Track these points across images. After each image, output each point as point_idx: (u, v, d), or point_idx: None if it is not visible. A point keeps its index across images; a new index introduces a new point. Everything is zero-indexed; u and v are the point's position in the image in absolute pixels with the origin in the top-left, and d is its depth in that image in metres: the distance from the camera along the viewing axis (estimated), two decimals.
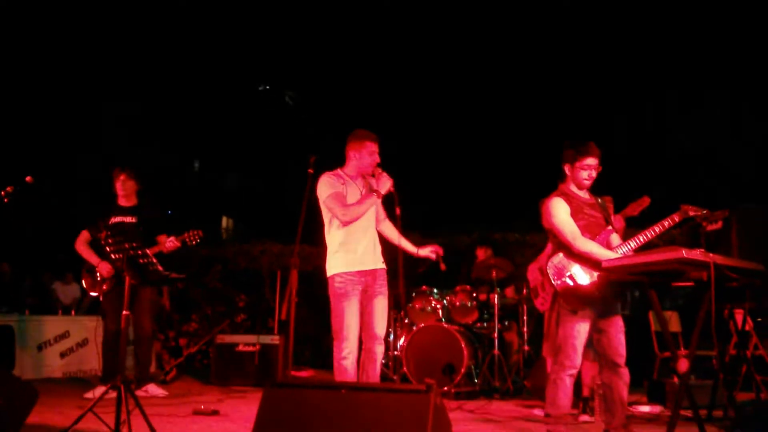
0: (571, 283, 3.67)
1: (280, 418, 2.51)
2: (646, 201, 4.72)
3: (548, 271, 3.76)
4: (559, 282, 3.70)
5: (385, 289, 4.09)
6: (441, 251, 4.29)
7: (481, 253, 7.22)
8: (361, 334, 4.04)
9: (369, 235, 4.10)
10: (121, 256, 3.74)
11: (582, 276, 3.66)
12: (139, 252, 3.72)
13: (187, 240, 5.41)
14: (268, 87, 31.23)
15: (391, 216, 4.29)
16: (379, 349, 4.06)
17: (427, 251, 4.25)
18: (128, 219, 5.60)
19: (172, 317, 9.00)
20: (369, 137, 4.13)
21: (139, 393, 5.39)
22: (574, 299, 3.65)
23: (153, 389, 5.61)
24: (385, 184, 4.05)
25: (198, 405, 4.81)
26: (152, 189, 5.92)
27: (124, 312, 3.74)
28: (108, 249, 3.81)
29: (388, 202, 4.22)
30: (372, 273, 4.05)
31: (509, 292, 6.87)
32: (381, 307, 4.05)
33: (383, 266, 4.14)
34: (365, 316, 4.05)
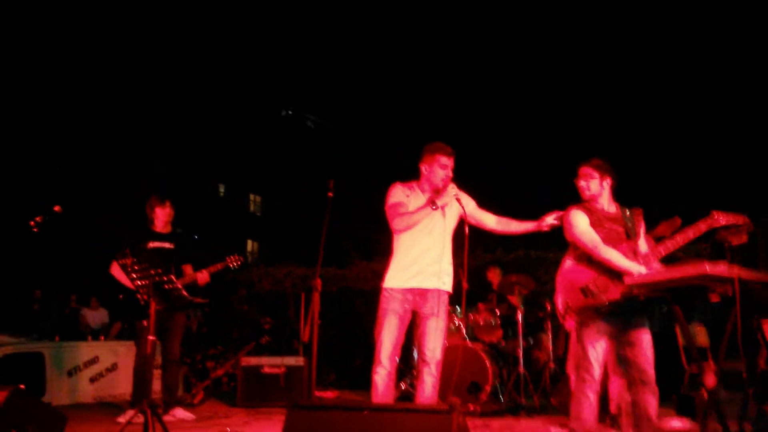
0: (581, 297, 3.66)
1: None
2: (677, 222, 4.67)
3: (562, 283, 3.77)
4: (570, 296, 3.70)
5: (439, 311, 3.88)
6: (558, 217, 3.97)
7: (493, 276, 7.20)
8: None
9: (427, 251, 3.92)
10: (147, 282, 3.81)
11: (595, 290, 3.65)
12: (164, 278, 3.79)
13: (230, 264, 5.64)
14: (290, 111, 31.60)
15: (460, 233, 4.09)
16: (428, 373, 3.86)
17: (551, 219, 3.97)
18: (166, 245, 5.74)
19: (198, 340, 9.09)
20: (441, 150, 3.96)
21: (167, 418, 5.43)
22: (585, 313, 3.65)
23: (180, 413, 5.66)
24: (445, 197, 3.85)
25: (224, 428, 4.85)
26: (179, 213, 6.03)
27: (150, 337, 3.81)
28: (134, 276, 3.89)
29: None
30: (423, 293, 3.90)
31: (513, 300, 6.71)
32: (431, 329, 3.87)
33: (442, 287, 3.94)
34: (415, 338, 3.99)
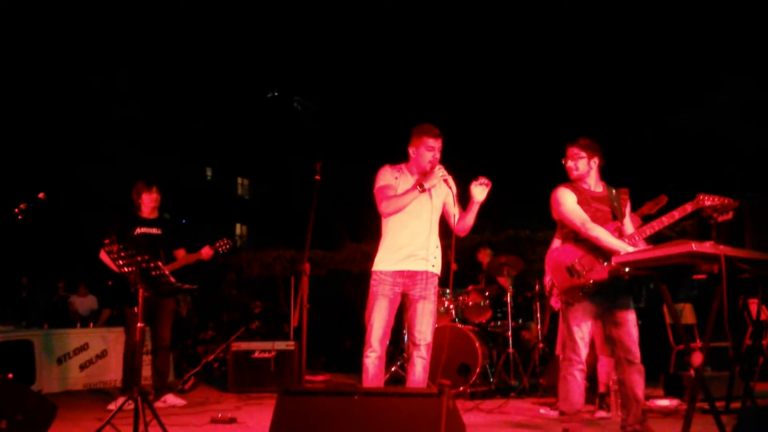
0: (566, 276, 3.68)
1: (293, 425, 2.54)
2: (663, 200, 4.69)
3: (548, 263, 3.79)
4: (555, 275, 3.72)
5: (428, 293, 3.88)
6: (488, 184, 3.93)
7: (483, 257, 7.22)
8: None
9: (417, 234, 3.90)
10: (133, 269, 3.78)
11: (581, 269, 3.67)
12: (152, 264, 3.76)
13: (219, 249, 5.63)
14: (276, 93, 31.37)
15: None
16: (419, 355, 3.85)
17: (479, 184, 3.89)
18: (154, 231, 5.73)
19: (189, 325, 9.09)
20: (428, 132, 3.92)
21: (158, 404, 5.44)
22: (570, 292, 3.67)
23: (171, 399, 5.66)
24: (433, 178, 3.81)
25: (216, 413, 4.85)
26: (165, 198, 5.98)
27: (140, 324, 3.79)
28: (120, 262, 3.86)
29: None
30: (412, 275, 3.88)
31: (502, 281, 6.73)
32: (421, 311, 3.86)
33: (431, 269, 3.93)
34: (405, 321, 3.98)
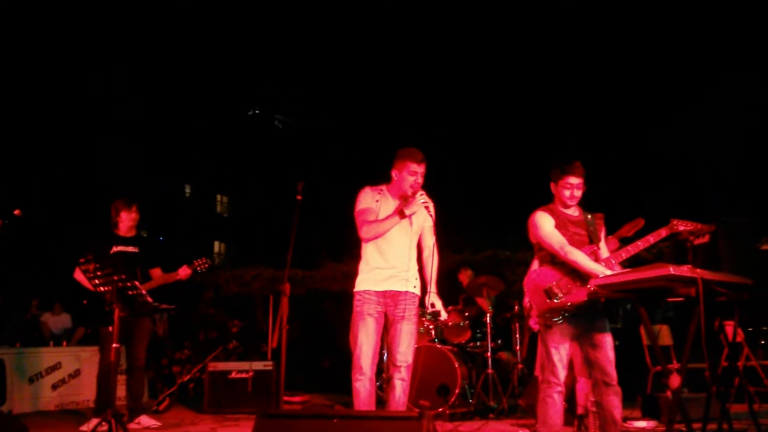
0: (547, 299, 3.69)
1: None
2: (640, 222, 4.74)
3: (526, 285, 3.80)
4: (534, 297, 3.73)
5: (410, 314, 3.87)
6: (441, 311, 4.05)
7: (464, 277, 7.23)
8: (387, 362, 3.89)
9: (398, 255, 3.89)
10: (110, 288, 3.73)
11: (558, 292, 3.68)
12: (128, 284, 3.71)
13: (198, 268, 5.58)
14: (257, 111, 31.35)
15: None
16: (399, 377, 3.81)
17: (432, 301, 3.98)
18: (131, 249, 5.64)
19: (164, 345, 8.95)
20: (411, 157, 3.88)
21: (132, 425, 5.34)
22: (548, 315, 3.68)
23: (146, 420, 5.56)
24: (414, 205, 3.81)
25: None
26: (143, 215, 5.92)
27: (114, 345, 3.72)
28: (96, 281, 3.80)
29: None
30: (394, 296, 3.86)
31: (482, 302, 6.75)
32: (402, 333, 3.83)
33: (413, 290, 3.93)
34: (386, 342, 3.92)
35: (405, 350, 3.84)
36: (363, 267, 3.94)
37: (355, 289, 3.91)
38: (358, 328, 3.80)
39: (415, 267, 3.97)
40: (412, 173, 3.87)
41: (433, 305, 3.97)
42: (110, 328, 5.23)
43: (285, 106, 31.30)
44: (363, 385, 3.73)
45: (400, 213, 3.80)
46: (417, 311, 3.96)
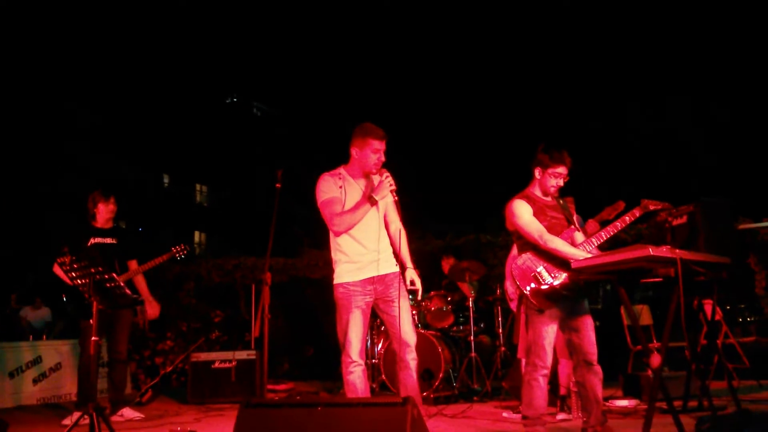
0: (535, 284, 3.70)
1: None
2: (621, 205, 4.77)
3: (513, 273, 3.81)
4: (524, 283, 3.74)
5: (402, 292, 3.77)
6: (419, 290, 3.98)
7: (446, 265, 7.24)
8: (393, 344, 3.80)
9: (375, 238, 3.77)
10: (87, 281, 3.67)
11: (547, 276, 3.70)
12: (105, 276, 3.66)
13: (176, 255, 5.59)
14: (235, 98, 31.04)
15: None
16: (411, 357, 3.73)
17: (411, 277, 3.91)
18: (108, 240, 5.59)
19: (146, 336, 8.88)
20: (373, 134, 3.72)
21: (115, 418, 5.31)
22: (541, 299, 3.70)
23: (129, 413, 5.52)
24: (383, 190, 3.68)
25: (175, 426, 4.74)
26: (122, 205, 5.86)
27: (94, 338, 3.68)
28: (73, 275, 3.74)
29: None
30: (381, 279, 3.76)
31: (464, 286, 6.78)
32: (402, 311, 3.72)
33: (395, 269, 3.82)
34: (387, 324, 3.82)
35: (408, 328, 3.77)
36: (340, 257, 3.79)
37: (337, 281, 3.78)
38: (346, 322, 3.69)
39: (389, 245, 3.90)
40: (375, 151, 3.72)
41: (413, 282, 3.90)
42: (90, 321, 5.22)
43: (263, 93, 31.04)
44: (358, 375, 3.67)
45: (371, 200, 3.68)
46: (405, 287, 3.86)
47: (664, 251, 3.28)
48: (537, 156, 3.86)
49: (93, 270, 3.65)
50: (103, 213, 5.60)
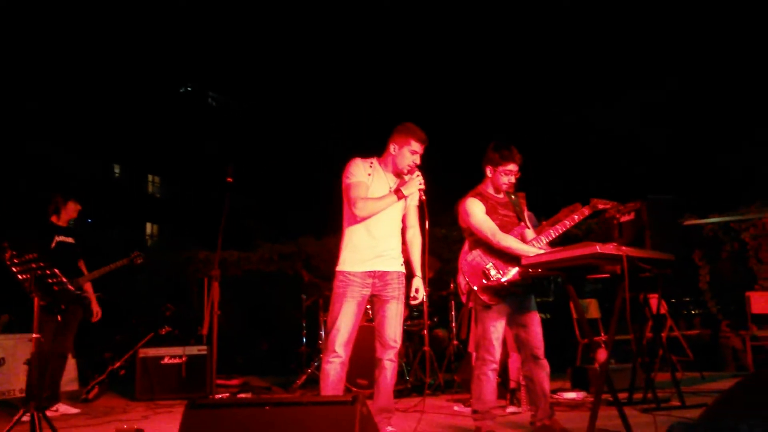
0: (485, 280, 3.75)
1: None
2: (577, 207, 4.87)
3: (463, 268, 3.84)
4: (473, 279, 3.78)
5: (399, 294, 3.77)
6: (420, 301, 3.96)
7: None
8: (376, 342, 3.78)
9: (388, 234, 3.78)
10: (28, 276, 3.56)
11: (495, 272, 3.75)
12: (47, 272, 3.55)
13: (134, 260, 5.67)
14: (190, 88, 30.46)
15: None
16: (390, 358, 3.75)
17: (417, 286, 3.90)
18: (69, 240, 5.61)
19: (95, 331, 8.66)
20: (415, 135, 3.75)
21: (49, 413, 5.16)
22: (489, 295, 3.74)
23: (64, 408, 5.44)
24: (411, 186, 3.69)
25: (121, 424, 4.64)
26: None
27: (34, 335, 3.56)
28: (14, 270, 3.61)
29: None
30: (383, 276, 3.74)
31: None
32: (393, 313, 3.74)
33: (401, 269, 3.82)
34: (376, 322, 3.81)
35: (395, 331, 3.76)
36: (348, 244, 3.76)
37: (339, 268, 3.74)
38: (337, 311, 3.66)
39: (400, 245, 3.89)
40: (413, 152, 3.74)
41: (417, 291, 3.89)
42: (59, 317, 5.15)
43: (218, 84, 30.54)
44: (334, 367, 3.64)
45: (398, 194, 3.68)
46: (404, 291, 3.86)
47: (610, 248, 3.35)
48: (487, 154, 3.90)
49: (34, 265, 3.53)
50: (71, 213, 5.63)
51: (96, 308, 5.67)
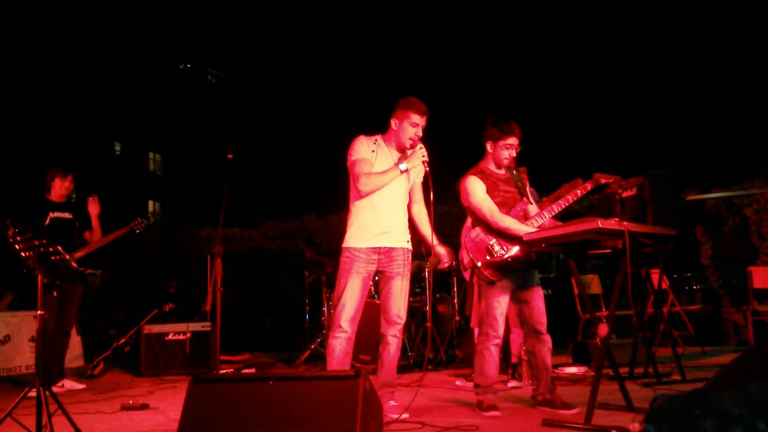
0: (488, 256, 3.76)
1: (206, 414, 2.47)
2: (579, 182, 4.86)
3: (466, 245, 3.85)
4: (477, 255, 3.79)
5: (404, 270, 3.80)
6: (454, 264, 4.02)
7: None
8: (381, 318, 3.82)
9: (393, 210, 3.78)
10: (31, 254, 3.56)
11: (499, 249, 3.76)
12: (50, 249, 3.55)
13: (134, 228, 5.67)
14: (189, 65, 30.25)
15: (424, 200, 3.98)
16: (393, 334, 3.79)
17: (443, 253, 3.95)
18: (66, 215, 5.60)
19: (100, 308, 8.73)
20: (414, 108, 3.74)
21: (55, 389, 5.23)
22: (493, 271, 3.75)
23: (69, 384, 5.49)
24: (414, 159, 3.68)
25: (127, 399, 4.68)
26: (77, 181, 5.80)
27: (39, 312, 3.58)
28: (17, 247, 3.62)
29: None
30: (388, 252, 3.76)
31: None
32: (398, 289, 3.77)
33: (406, 245, 3.83)
34: (381, 299, 3.85)
35: (400, 307, 3.79)
36: (354, 221, 3.78)
37: (345, 245, 3.76)
38: (343, 286, 3.69)
39: (407, 221, 3.89)
40: (413, 125, 3.73)
41: (444, 256, 3.94)
42: (54, 293, 5.18)
43: (218, 60, 30.33)
44: (340, 342, 3.66)
45: (401, 166, 3.67)
46: (410, 266, 3.88)
47: (612, 224, 3.35)
48: (487, 130, 3.89)
49: (37, 242, 3.54)
50: (58, 189, 5.60)
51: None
